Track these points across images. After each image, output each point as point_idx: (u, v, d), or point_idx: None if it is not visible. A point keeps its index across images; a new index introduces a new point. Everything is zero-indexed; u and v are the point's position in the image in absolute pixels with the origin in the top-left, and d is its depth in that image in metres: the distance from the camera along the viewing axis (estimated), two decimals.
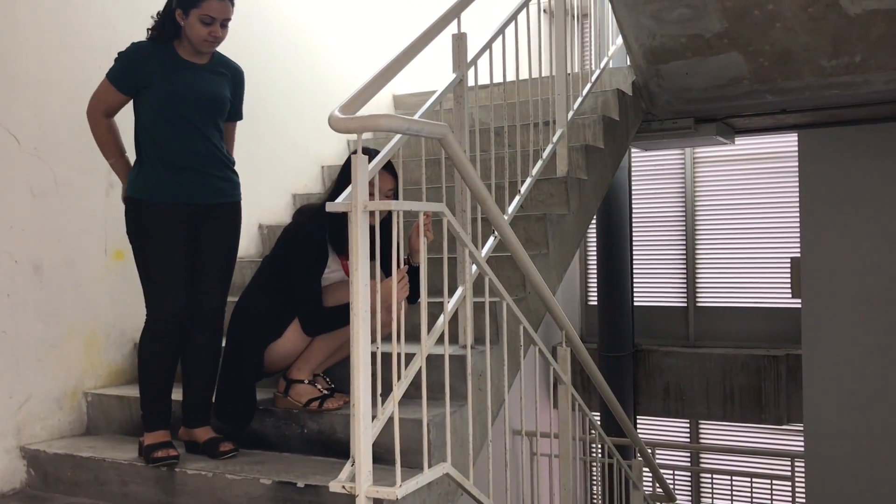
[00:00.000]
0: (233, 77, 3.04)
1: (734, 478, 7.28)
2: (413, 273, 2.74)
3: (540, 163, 3.74)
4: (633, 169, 7.95)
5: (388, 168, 2.88)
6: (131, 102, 2.94)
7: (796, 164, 6.63)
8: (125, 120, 2.98)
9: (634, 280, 7.88)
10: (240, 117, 3.14)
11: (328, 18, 5.03)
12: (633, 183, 7.87)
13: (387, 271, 2.91)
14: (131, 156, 2.99)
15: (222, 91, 2.97)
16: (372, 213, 2.15)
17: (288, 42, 4.68)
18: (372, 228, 2.17)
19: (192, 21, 2.83)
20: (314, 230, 2.97)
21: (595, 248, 8.02)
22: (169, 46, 2.91)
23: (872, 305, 6.18)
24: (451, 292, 2.81)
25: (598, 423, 4.63)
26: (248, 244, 4.27)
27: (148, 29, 2.94)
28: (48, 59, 3.33)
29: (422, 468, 2.30)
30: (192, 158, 2.88)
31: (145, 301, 2.92)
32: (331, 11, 5.05)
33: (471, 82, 3.20)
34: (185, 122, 2.86)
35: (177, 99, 2.86)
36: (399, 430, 2.18)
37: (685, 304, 8.33)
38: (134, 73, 2.88)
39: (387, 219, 2.76)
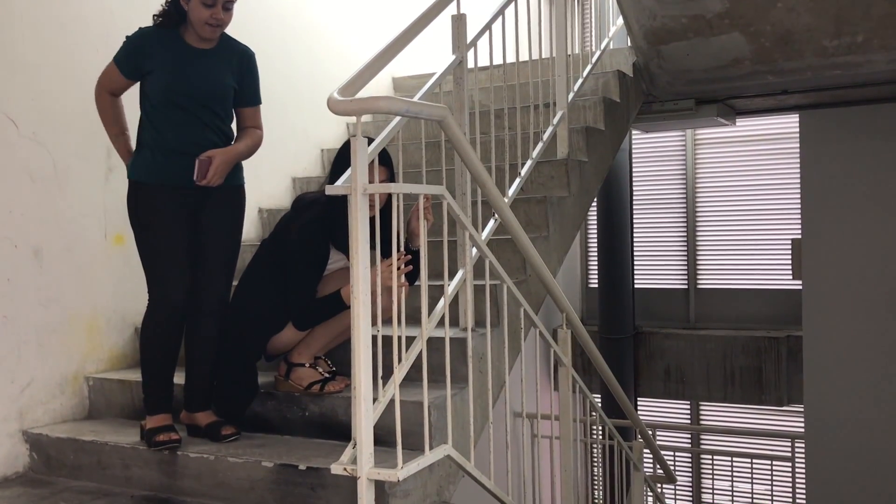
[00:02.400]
0: (239, 61, 2.99)
1: (734, 459, 7.30)
2: (413, 256, 2.73)
3: (540, 145, 3.73)
4: (633, 151, 7.93)
5: (383, 159, 2.85)
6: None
7: (797, 145, 6.61)
8: (132, 107, 2.97)
9: (635, 262, 7.87)
10: (255, 101, 3.05)
11: (327, 0, 5.00)
12: (633, 165, 7.85)
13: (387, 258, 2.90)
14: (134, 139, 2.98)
15: (224, 78, 2.94)
16: (371, 206, 2.14)
17: (287, 24, 4.65)
18: (372, 220, 2.16)
19: (195, 4, 2.82)
20: (314, 230, 2.93)
21: (595, 231, 8.01)
22: (175, 33, 2.91)
23: (873, 286, 6.18)
24: (452, 275, 2.81)
25: (599, 405, 4.64)
26: (249, 228, 4.25)
27: (154, 15, 2.93)
28: (47, 44, 3.31)
29: (423, 450, 2.30)
30: (190, 144, 2.86)
31: (147, 285, 2.92)
32: None
33: (470, 64, 3.18)
34: (183, 109, 2.85)
35: (177, 85, 2.85)
36: (400, 412, 2.18)
37: (686, 286, 8.33)
38: (137, 58, 2.88)
39: (385, 208, 2.75)
